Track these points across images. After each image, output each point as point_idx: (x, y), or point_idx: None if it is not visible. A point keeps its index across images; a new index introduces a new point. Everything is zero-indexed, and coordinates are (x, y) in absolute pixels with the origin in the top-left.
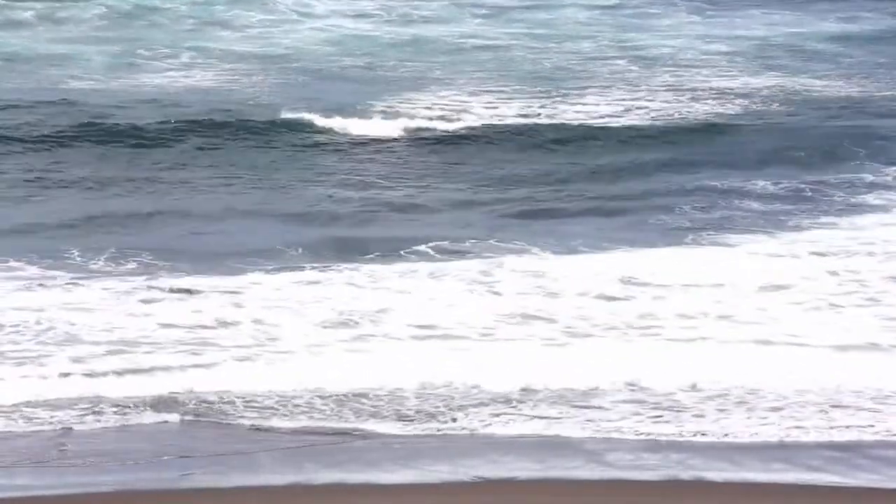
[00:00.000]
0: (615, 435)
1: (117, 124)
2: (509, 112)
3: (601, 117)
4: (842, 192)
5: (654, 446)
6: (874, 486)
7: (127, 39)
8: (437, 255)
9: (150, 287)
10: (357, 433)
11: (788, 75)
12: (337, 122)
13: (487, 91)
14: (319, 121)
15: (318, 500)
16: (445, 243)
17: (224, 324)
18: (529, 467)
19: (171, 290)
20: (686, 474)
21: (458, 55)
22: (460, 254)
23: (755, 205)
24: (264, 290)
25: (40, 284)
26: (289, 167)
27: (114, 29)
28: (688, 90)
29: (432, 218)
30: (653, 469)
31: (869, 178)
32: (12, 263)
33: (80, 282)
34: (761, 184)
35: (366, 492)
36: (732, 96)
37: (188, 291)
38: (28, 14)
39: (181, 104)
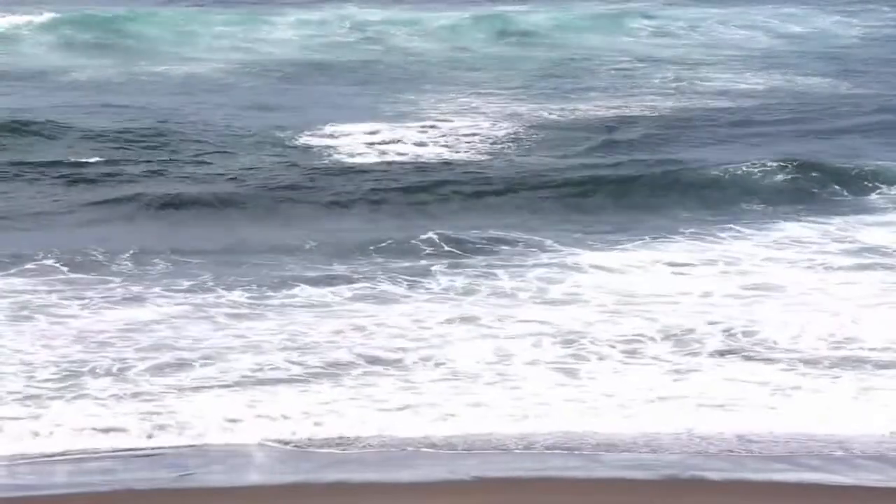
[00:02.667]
0: None
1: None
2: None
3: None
4: None
5: (654, 446)
6: (875, 486)
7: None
8: None
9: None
10: None
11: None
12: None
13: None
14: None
15: (318, 499)
16: None
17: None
18: (529, 467)
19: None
20: (686, 474)
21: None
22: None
23: None
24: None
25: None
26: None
27: None
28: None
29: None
30: (653, 469)
31: None
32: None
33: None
34: None
35: (366, 492)
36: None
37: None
38: None
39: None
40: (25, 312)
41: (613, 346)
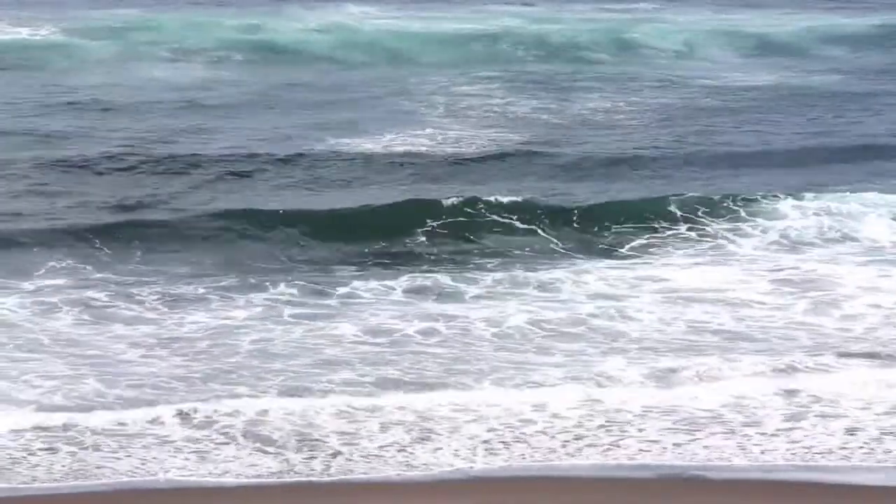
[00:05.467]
0: None
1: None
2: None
3: None
4: None
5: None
6: (875, 485)
7: None
8: None
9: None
10: None
11: None
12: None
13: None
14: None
15: (318, 499)
16: None
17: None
18: (529, 467)
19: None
20: (686, 474)
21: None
22: None
23: None
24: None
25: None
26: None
27: None
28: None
29: None
30: (653, 469)
31: None
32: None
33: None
34: None
35: (366, 492)
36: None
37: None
38: None
39: None
40: (87, 317)
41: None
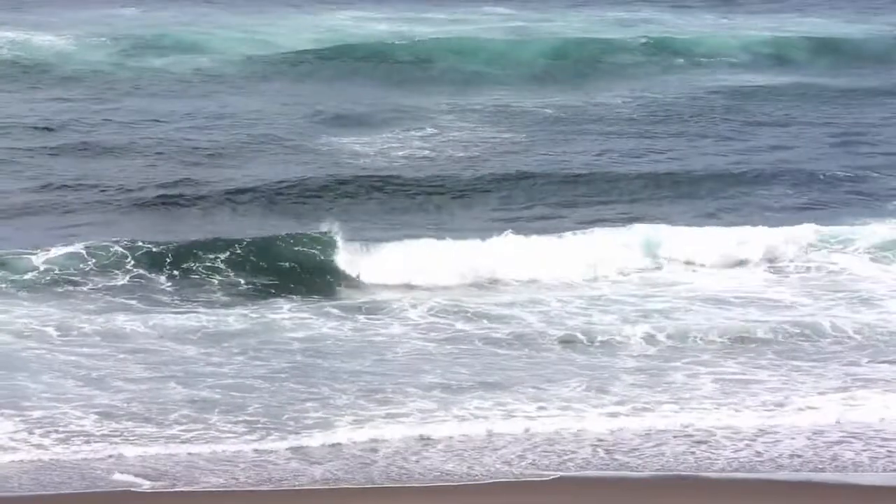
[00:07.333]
0: None
1: None
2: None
3: None
4: None
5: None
6: (876, 484)
7: None
8: None
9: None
10: None
11: None
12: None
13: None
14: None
15: (318, 499)
16: None
17: None
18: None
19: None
20: (686, 474)
21: None
22: None
23: None
24: None
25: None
26: None
27: None
28: None
29: None
30: (653, 469)
31: None
32: None
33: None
34: None
35: (366, 492)
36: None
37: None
38: None
39: None
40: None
41: None
